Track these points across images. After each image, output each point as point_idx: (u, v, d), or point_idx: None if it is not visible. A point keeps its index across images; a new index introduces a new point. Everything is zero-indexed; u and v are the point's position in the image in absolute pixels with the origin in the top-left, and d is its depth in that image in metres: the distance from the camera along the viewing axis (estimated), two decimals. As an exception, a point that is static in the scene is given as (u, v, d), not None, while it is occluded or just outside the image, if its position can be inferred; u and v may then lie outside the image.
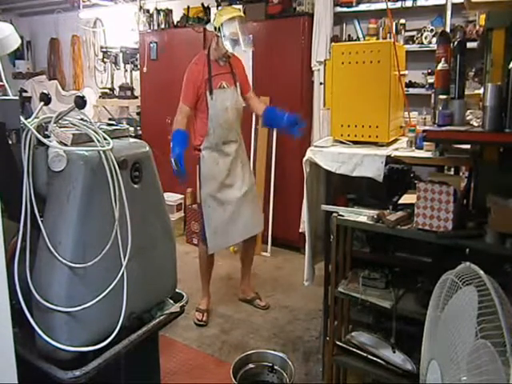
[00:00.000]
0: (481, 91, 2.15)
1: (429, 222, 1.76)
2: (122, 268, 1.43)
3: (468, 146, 1.98)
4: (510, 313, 1.10)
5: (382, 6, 3.75)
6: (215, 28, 2.85)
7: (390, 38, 3.56)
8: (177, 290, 1.74)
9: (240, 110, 3.03)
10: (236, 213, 3.02)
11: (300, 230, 3.99)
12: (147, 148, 1.59)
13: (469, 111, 1.87)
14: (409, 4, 3.65)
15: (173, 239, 1.71)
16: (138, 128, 5.27)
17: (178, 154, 2.73)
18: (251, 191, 3.12)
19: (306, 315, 3.15)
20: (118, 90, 5.67)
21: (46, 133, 1.38)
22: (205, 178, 2.96)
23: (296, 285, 3.48)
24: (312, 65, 4.01)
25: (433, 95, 2.04)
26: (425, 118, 2.41)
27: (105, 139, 1.42)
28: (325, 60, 3.87)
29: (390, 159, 2.02)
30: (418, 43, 3.73)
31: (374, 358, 1.97)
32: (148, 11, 5.13)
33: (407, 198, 2.00)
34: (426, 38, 3.69)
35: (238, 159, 3.05)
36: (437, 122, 1.85)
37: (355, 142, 2.24)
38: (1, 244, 1.03)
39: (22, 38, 3.56)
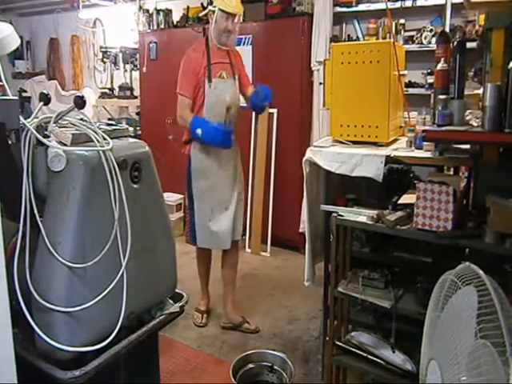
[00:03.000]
0: (480, 91, 2.15)
1: (428, 221, 1.76)
2: (122, 268, 1.42)
3: (467, 146, 1.98)
4: (510, 313, 1.10)
5: (381, 6, 3.75)
6: (211, 2, 2.70)
7: (390, 37, 3.56)
8: (177, 290, 1.74)
9: (238, 106, 2.84)
10: (220, 218, 2.83)
11: (300, 230, 4.00)
12: (147, 148, 1.59)
13: (468, 111, 1.88)
14: (408, 4, 3.66)
15: (172, 239, 1.71)
16: (138, 128, 5.28)
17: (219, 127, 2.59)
18: (241, 198, 2.96)
19: (305, 315, 3.16)
20: (117, 90, 5.68)
21: (46, 133, 1.38)
22: (195, 172, 2.78)
23: (295, 285, 3.47)
24: (312, 65, 4.01)
25: (432, 95, 2.05)
26: (424, 118, 2.41)
27: (104, 139, 1.42)
28: (324, 60, 3.87)
29: (389, 159, 2.02)
30: (418, 43, 3.74)
31: (374, 358, 1.97)
32: (148, 11, 5.14)
33: (407, 198, 2.00)
34: (425, 37, 3.69)
35: (232, 160, 2.86)
36: (436, 121, 1.85)
37: (355, 142, 2.24)
38: (0, 244, 1.03)
39: (21, 37, 3.56)
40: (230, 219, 2.86)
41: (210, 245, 2.93)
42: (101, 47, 5.84)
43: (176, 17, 4.98)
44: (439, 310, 1.34)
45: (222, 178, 2.83)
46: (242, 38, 4.05)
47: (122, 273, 1.42)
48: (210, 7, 2.71)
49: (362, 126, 2.22)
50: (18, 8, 6.82)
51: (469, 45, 2.04)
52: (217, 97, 2.71)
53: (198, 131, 2.61)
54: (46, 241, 1.30)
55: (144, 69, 5.07)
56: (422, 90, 3.69)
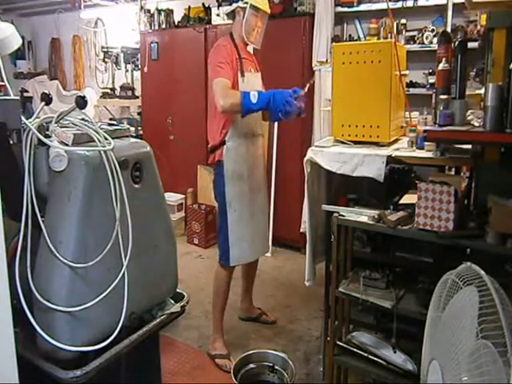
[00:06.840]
0: (482, 91, 2.15)
1: (430, 222, 1.76)
2: (123, 268, 1.43)
3: (469, 146, 1.98)
4: (511, 313, 1.10)
5: (382, 5, 3.75)
6: None
7: (391, 37, 3.56)
8: (177, 290, 1.74)
9: None
10: (259, 222, 2.69)
11: (301, 230, 3.99)
12: (148, 148, 1.59)
13: (470, 111, 1.87)
14: (410, 4, 3.66)
15: (173, 239, 1.71)
16: (139, 128, 5.28)
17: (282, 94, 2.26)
18: (267, 204, 2.85)
19: (306, 315, 3.16)
20: (118, 89, 5.69)
21: (47, 133, 1.39)
22: (231, 175, 2.55)
23: (297, 285, 3.48)
24: (313, 65, 4.01)
25: (434, 95, 2.04)
26: (426, 118, 2.41)
27: (106, 139, 1.42)
28: (326, 60, 3.87)
29: (390, 159, 2.02)
30: (419, 43, 3.74)
31: (375, 358, 1.97)
32: (149, 11, 5.14)
33: (408, 198, 2.00)
34: (426, 37, 3.69)
35: (261, 159, 2.71)
36: (438, 121, 1.85)
37: (356, 142, 2.24)
38: (2, 244, 1.03)
39: (23, 38, 3.57)
40: (267, 222, 2.83)
41: (247, 258, 2.69)
42: (102, 47, 5.86)
43: (177, 17, 4.98)
44: (440, 310, 1.34)
45: (256, 179, 2.68)
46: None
47: (123, 273, 1.43)
48: (239, 3, 2.57)
49: (364, 126, 2.21)
50: (20, 8, 6.83)
51: (470, 45, 2.04)
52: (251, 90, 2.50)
53: (252, 96, 2.29)
54: (48, 240, 1.30)
55: (145, 69, 5.08)
56: (423, 90, 3.68)
